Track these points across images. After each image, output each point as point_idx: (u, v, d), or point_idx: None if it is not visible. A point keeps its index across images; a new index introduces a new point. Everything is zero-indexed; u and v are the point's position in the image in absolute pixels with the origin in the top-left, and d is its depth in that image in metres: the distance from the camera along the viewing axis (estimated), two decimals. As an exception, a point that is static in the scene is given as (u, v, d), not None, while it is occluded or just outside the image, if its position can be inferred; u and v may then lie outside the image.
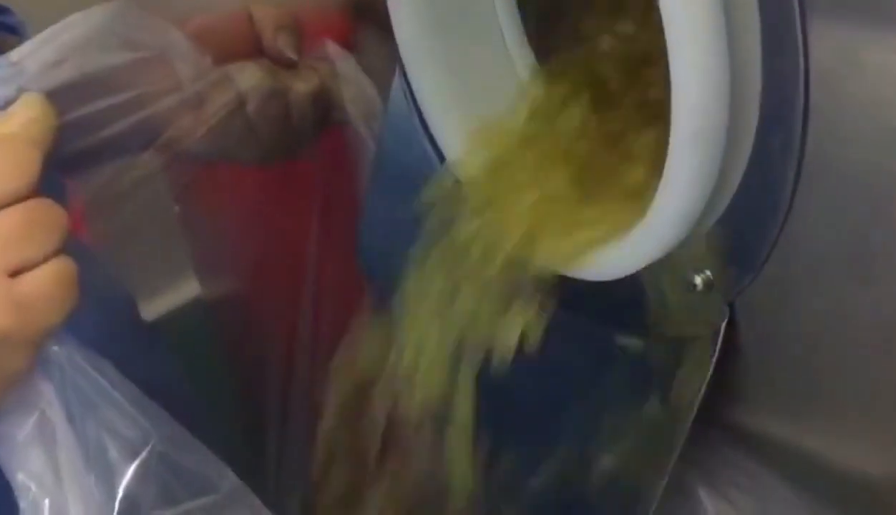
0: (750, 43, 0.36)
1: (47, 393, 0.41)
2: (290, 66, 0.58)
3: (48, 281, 0.40)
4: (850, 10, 0.34)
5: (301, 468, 0.77)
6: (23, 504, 0.40)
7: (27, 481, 0.40)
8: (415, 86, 0.51)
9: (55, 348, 0.42)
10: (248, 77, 0.56)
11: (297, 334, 0.74)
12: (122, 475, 0.41)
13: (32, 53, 0.46)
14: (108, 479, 0.41)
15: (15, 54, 0.46)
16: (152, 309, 0.88)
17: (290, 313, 0.74)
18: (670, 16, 0.35)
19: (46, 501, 0.40)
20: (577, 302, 0.47)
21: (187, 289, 0.92)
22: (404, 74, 0.52)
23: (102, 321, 0.56)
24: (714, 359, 0.42)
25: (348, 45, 0.61)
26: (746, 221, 0.39)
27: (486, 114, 0.51)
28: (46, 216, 0.40)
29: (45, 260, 0.40)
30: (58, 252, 0.40)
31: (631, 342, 0.46)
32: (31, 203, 0.40)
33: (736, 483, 0.47)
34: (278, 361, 0.76)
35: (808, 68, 0.36)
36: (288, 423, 0.77)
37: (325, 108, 0.59)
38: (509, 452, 0.52)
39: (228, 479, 0.44)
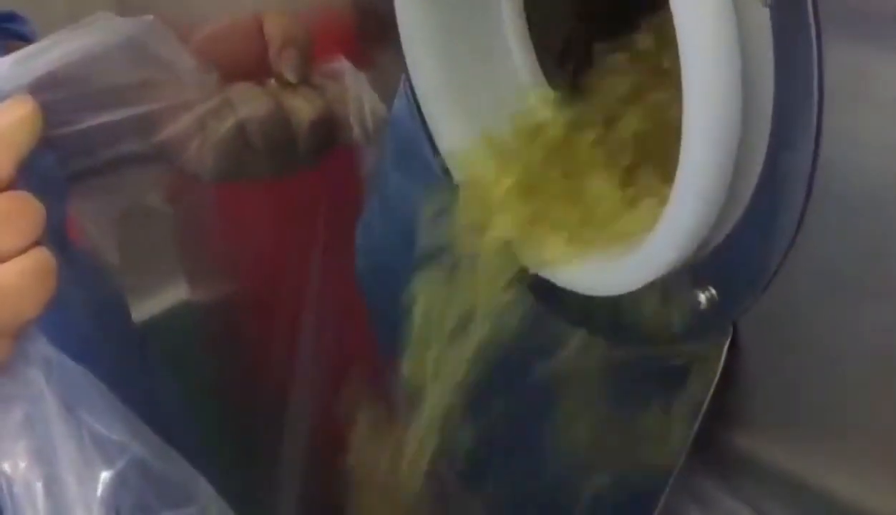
0: (763, 63, 0.36)
1: (38, 384, 0.40)
2: (293, 85, 0.58)
3: (23, 273, 0.39)
4: (859, 28, 0.34)
5: (297, 472, 0.77)
6: (4, 498, 0.40)
7: (12, 472, 0.39)
8: (421, 99, 0.51)
9: (40, 347, 0.41)
10: (249, 103, 0.56)
11: (295, 345, 0.73)
12: (100, 481, 0.40)
13: (33, 58, 0.46)
14: (86, 483, 0.40)
15: (9, 59, 0.46)
16: (141, 310, 0.88)
17: (288, 324, 0.73)
18: (684, 36, 0.35)
19: (30, 494, 0.39)
20: (580, 317, 0.47)
21: (178, 292, 0.92)
22: (411, 88, 0.52)
23: (94, 324, 0.56)
24: (716, 379, 0.41)
25: (360, 58, 0.61)
26: (754, 240, 0.39)
27: (491, 129, 0.51)
28: (21, 208, 0.40)
29: (21, 252, 0.39)
30: (34, 245, 0.40)
31: (633, 359, 0.45)
32: (5, 196, 0.40)
33: (734, 512, 0.47)
34: (276, 370, 0.76)
35: (823, 88, 0.35)
36: (283, 432, 0.77)
37: (329, 131, 0.58)
38: (505, 461, 0.52)
39: (205, 491, 0.44)
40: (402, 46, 0.51)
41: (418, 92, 0.51)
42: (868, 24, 0.34)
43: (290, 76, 0.57)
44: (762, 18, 0.35)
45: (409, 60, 0.51)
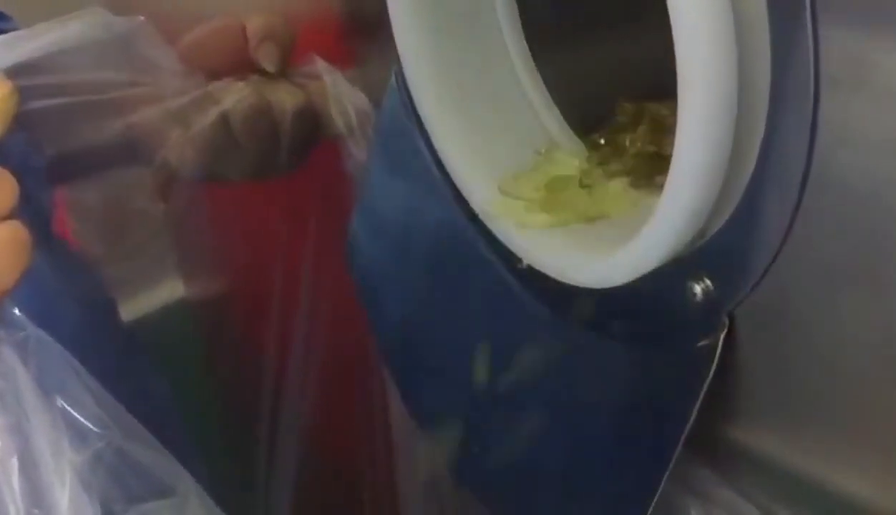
0: (759, 51, 0.36)
1: (11, 361, 0.40)
2: (273, 78, 0.58)
3: None
4: (859, 17, 0.34)
5: (291, 471, 0.77)
6: None
7: None
8: (413, 92, 0.51)
9: (22, 333, 0.41)
10: (232, 95, 0.56)
11: (288, 342, 0.73)
12: (77, 460, 0.40)
13: (14, 44, 0.46)
14: (62, 461, 0.40)
15: None
16: (134, 308, 0.87)
17: (282, 322, 0.73)
18: (679, 22, 0.35)
19: (5, 470, 0.39)
20: (576, 311, 0.47)
21: (171, 290, 0.92)
22: (403, 82, 0.52)
23: (80, 320, 0.55)
24: (712, 371, 0.41)
25: (341, 58, 0.61)
26: (749, 230, 0.39)
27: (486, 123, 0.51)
28: None
29: None
30: (7, 218, 0.40)
31: (627, 351, 0.45)
32: None
33: (731, 506, 0.47)
34: (268, 367, 0.76)
35: (819, 77, 0.35)
36: (276, 431, 0.77)
37: (311, 126, 0.58)
38: (498, 452, 0.52)
39: (186, 481, 0.44)
40: (395, 39, 0.50)
41: (410, 84, 0.51)
42: (868, 11, 0.34)
43: (269, 66, 0.57)
44: (759, 5, 0.35)
45: (401, 53, 0.51)
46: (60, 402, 0.40)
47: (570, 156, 0.50)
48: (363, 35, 0.62)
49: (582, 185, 0.47)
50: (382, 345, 0.62)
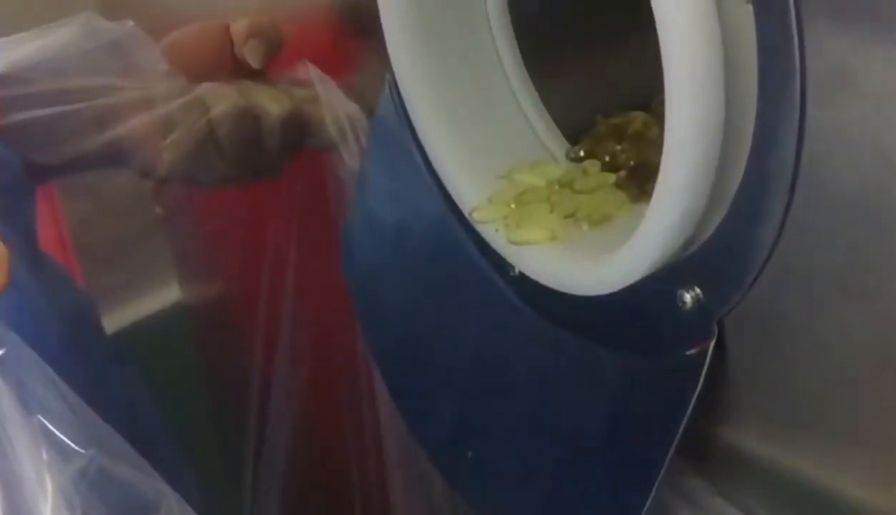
0: (746, 60, 0.36)
1: None
2: (260, 83, 0.58)
3: None
4: (848, 24, 0.34)
5: (279, 475, 0.77)
6: None
7: None
8: (404, 97, 0.51)
9: (2, 350, 0.41)
10: (220, 100, 0.55)
11: (278, 345, 0.73)
12: (59, 476, 0.40)
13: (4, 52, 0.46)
14: (43, 477, 0.40)
15: None
16: (133, 311, 0.87)
17: (270, 324, 0.73)
18: (666, 34, 0.35)
19: None
20: (565, 319, 0.47)
21: (168, 294, 0.92)
22: (395, 87, 0.52)
23: (64, 336, 0.55)
24: (702, 379, 0.41)
25: (338, 63, 0.61)
26: (738, 238, 0.39)
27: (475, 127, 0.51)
28: None
29: None
30: None
31: (618, 359, 0.45)
32: None
33: (721, 511, 0.47)
34: (259, 368, 0.76)
35: (805, 85, 0.35)
36: (266, 434, 0.77)
37: (298, 133, 0.58)
38: (490, 456, 0.52)
39: (169, 497, 0.44)
40: (387, 48, 0.50)
41: (402, 90, 0.51)
42: (856, 18, 0.34)
43: (253, 62, 0.57)
44: (745, 16, 0.35)
45: (393, 61, 0.51)
46: (42, 419, 0.40)
47: (549, 167, 0.50)
48: (360, 39, 0.62)
49: (549, 200, 0.47)
50: (375, 348, 0.62)
